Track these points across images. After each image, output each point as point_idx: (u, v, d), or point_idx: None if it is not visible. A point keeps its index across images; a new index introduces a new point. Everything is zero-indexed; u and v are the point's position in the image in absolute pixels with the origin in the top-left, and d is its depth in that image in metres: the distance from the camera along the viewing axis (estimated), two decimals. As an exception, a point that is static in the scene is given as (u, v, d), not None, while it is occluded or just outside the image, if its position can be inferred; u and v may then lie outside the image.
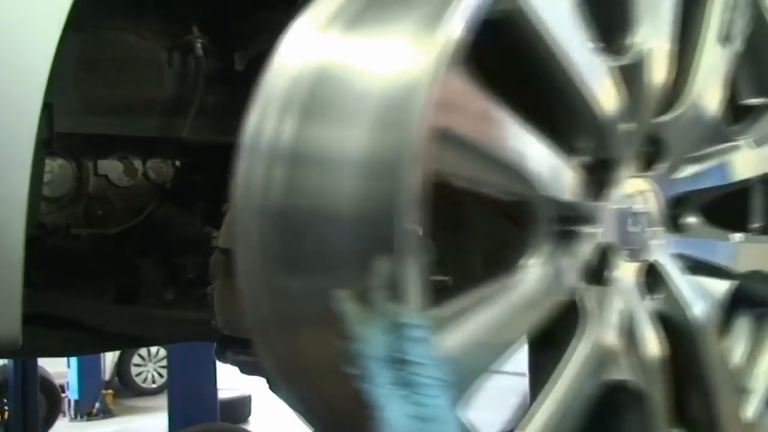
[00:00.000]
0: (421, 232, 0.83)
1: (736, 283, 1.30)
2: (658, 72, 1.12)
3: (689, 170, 1.23)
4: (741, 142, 1.29)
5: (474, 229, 1.17)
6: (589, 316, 1.08)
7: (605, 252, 1.11)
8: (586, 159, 1.07)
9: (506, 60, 1.02)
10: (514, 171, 0.94)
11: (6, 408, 5.35)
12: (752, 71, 1.36)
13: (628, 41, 1.11)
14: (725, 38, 1.23)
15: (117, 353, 9.40)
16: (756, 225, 1.41)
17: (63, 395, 8.17)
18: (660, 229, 1.18)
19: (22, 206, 1.02)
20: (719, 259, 1.28)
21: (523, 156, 0.94)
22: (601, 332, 1.08)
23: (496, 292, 0.96)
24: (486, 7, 0.87)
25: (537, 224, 1.01)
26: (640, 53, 1.10)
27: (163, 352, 8.26)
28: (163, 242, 1.70)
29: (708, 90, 1.22)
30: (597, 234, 1.08)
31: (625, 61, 1.09)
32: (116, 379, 9.69)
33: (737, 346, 1.37)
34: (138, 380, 9.81)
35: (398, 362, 0.83)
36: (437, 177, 0.85)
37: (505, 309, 0.96)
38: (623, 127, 1.08)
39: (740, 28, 1.25)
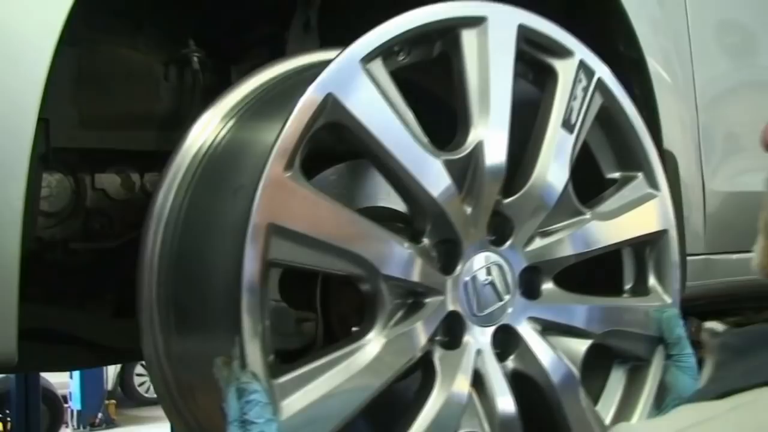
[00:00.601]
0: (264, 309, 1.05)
1: (593, 342, 1.40)
2: (494, 161, 1.25)
3: (539, 243, 1.35)
4: (589, 215, 1.40)
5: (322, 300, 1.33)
6: (442, 376, 1.22)
7: (456, 319, 1.24)
8: (433, 239, 1.23)
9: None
10: (350, 255, 1.11)
11: (9, 419, 5.35)
12: (610, 149, 1.51)
13: (464, 137, 1.25)
14: (568, 124, 1.36)
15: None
16: (628, 286, 1.52)
17: (65, 406, 8.21)
18: (514, 296, 1.31)
19: (17, 220, 1.02)
20: (575, 321, 1.38)
21: (359, 242, 1.12)
22: (453, 389, 1.22)
23: (339, 359, 1.12)
24: (311, 125, 1.09)
25: (382, 298, 1.16)
26: (475, 147, 1.24)
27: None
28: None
29: (552, 171, 1.34)
30: (446, 304, 1.22)
31: (461, 154, 1.23)
32: (119, 389, 9.73)
33: (611, 397, 1.48)
34: (141, 390, 9.84)
35: (245, 423, 1.01)
36: (274, 263, 1.05)
37: (347, 375, 1.11)
38: (465, 209, 1.24)
39: (582, 114, 1.38)
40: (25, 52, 1.06)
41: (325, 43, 1.56)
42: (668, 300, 1.50)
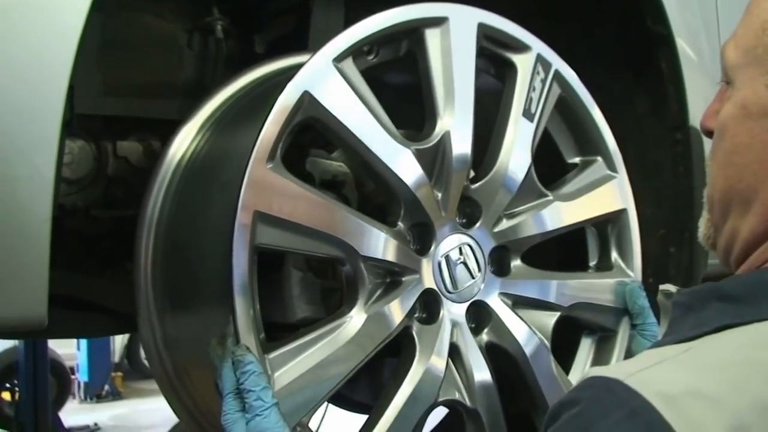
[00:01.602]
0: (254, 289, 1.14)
1: (561, 314, 1.50)
2: (460, 150, 1.35)
3: (506, 224, 1.45)
4: (552, 197, 1.50)
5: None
6: (421, 349, 1.32)
7: (432, 296, 1.35)
8: (407, 223, 1.33)
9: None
10: (331, 239, 1.21)
11: (17, 389, 5.40)
12: (570, 135, 1.61)
13: (431, 128, 1.35)
14: (528, 113, 1.47)
15: (126, 336, 9.46)
16: (593, 263, 1.64)
17: (73, 377, 8.26)
18: (485, 274, 1.41)
19: (49, 187, 1.04)
20: (543, 295, 1.48)
21: (339, 226, 1.22)
22: (430, 362, 1.31)
23: (324, 335, 1.21)
24: (290, 120, 1.18)
25: (362, 278, 1.26)
26: (442, 137, 1.34)
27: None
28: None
29: (515, 158, 1.44)
30: (422, 282, 1.33)
31: (429, 144, 1.33)
32: (125, 361, 9.79)
33: (580, 366, 1.58)
34: (147, 363, 9.84)
35: (241, 392, 1.09)
36: (261, 247, 1.15)
37: (332, 349, 1.21)
38: (435, 195, 1.34)
39: (541, 104, 1.48)
40: (59, 17, 1.07)
41: (350, 12, 1.56)
42: (631, 274, 1.62)
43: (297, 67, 1.21)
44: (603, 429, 0.66)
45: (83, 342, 8.52)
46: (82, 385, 8.68)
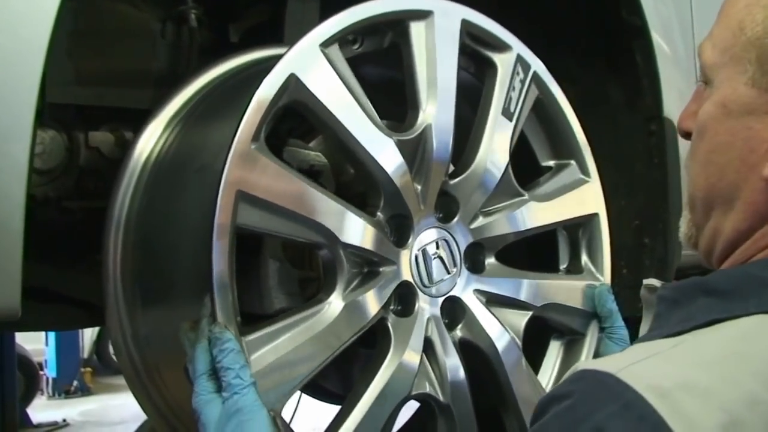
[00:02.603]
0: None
1: (532, 314, 1.51)
2: (441, 143, 1.36)
3: (483, 221, 1.46)
4: (527, 197, 1.52)
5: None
6: (395, 341, 1.31)
7: (408, 289, 1.35)
8: (387, 213, 1.33)
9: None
10: (313, 223, 1.21)
11: (-16, 386, 5.35)
12: (545, 139, 1.64)
13: (413, 120, 1.36)
14: (507, 112, 1.48)
15: (96, 331, 9.40)
16: (563, 266, 1.66)
17: (41, 373, 8.19)
18: (460, 270, 1.42)
19: (22, 178, 1.03)
20: (516, 294, 1.50)
21: (321, 211, 1.21)
22: (404, 355, 1.31)
23: (301, 321, 1.21)
24: (275, 102, 1.18)
25: (341, 264, 1.25)
26: (424, 129, 1.34)
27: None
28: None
29: (493, 155, 1.45)
30: (399, 273, 1.33)
31: (411, 135, 1.33)
32: (94, 356, 9.71)
33: (549, 368, 1.61)
34: (115, 358, 9.78)
35: (218, 371, 1.08)
36: (242, 228, 1.13)
37: (309, 335, 1.20)
38: (415, 187, 1.34)
39: (520, 104, 1.50)
40: (32, 4, 1.06)
41: (325, 3, 1.57)
42: (600, 277, 1.63)
43: (270, 59, 1.21)
44: (596, 422, 0.66)
45: (51, 337, 8.46)
46: (50, 380, 8.60)
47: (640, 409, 0.66)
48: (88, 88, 1.54)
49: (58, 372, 8.57)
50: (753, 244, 0.83)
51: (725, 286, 0.79)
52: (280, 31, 1.58)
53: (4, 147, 1.03)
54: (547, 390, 1.54)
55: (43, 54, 1.05)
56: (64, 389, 8.63)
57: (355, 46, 1.34)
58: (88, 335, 9.38)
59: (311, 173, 1.36)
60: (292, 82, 1.19)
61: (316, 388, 1.89)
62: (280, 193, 1.17)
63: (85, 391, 8.81)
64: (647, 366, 0.71)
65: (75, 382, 8.74)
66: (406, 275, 1.34)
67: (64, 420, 7.20)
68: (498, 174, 1.45)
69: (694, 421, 0.65)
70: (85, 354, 9.38)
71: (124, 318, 1.39)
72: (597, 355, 1.56)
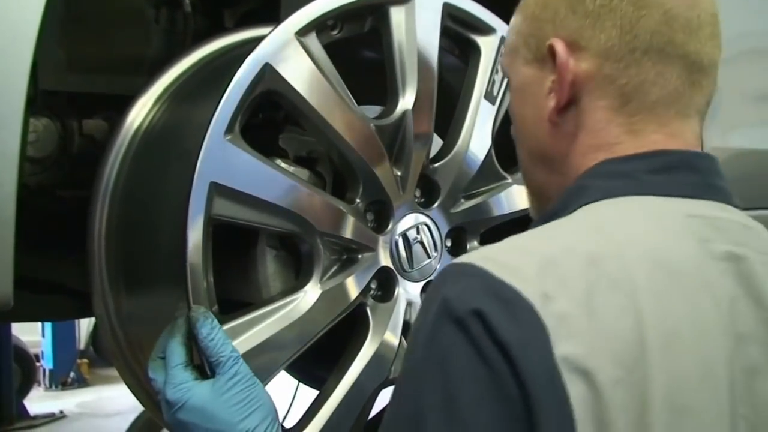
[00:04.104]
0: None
1: None
2: (421, 128, 1.37)
3: (465, 204, 1.48)
4: (510, 180, 1.53)
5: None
6: (374, 326, 1.34)
7: (388, 274, 1.37)
8: (365, 200, 1.34)
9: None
10: (289, 214, 1.22)
11: (-20, 378, 5.37)
12: None
13: (393, 106, 1.37)
14: (490, 96, 1.49)
15: (92, 322, 9.37)
16: None
17: (37, 365, 8.19)
18: (441, 254, 1.44)
19: (13, 166, 1.03)
20: None
21: (297, 201, 1.23)
22: (385, 339, 1.34)
23: (278, 309, 1.23)
24: (250, 93, 1.19)
25: (318, 253, 1.27)
26: (403, 114, 1.35)
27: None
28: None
29: (475, 139, 1.46)
30: (378, 259, 1.35)
31: (390, 121, 1.34)
32: (91, 348, 9.70)
33: None
34: (103, 340, 9.76)
35: (204, 351, 1.10)
36: (217, 219, 1.15)
37: (286, 322, 1.22)
38: (394, 173, 1.35)
39: (503, 87, 1.51)
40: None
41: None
42: None
43: (257, 40, 1.21)
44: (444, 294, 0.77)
45: (48, 329, 8.45)
46: (47, 372, 8.59)
47: (474, 270, 0.78)
48: (81, 75, 1.54)
49: (55, 363, 8.56)
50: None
51: (558, 205, 0.91)
52: (276, 16, 1.57)
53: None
54: None
55: (33, 41, 1.04)
56: (60, 381, 8.62)
57: (334, 32, 1.35)
58: (85, 326, 9.36)
59: (308, 160, 1.36)
60: (267, 71, 1.21)
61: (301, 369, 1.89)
62: (255, 184, 1.19)
63: (81, 382, 8.80)
64: (491, 248, 0.83)
65: (72, 374, 8.73)
66: (386, 261, 1.36)
67: (61, 411, 7.20)
68: (480, 157, 1.48)
69: (517, 268, 0.77)
70: (82, 345, 9.36)
71: (109, 297, 1.41)
72: None
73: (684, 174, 0.89)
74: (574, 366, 0.72)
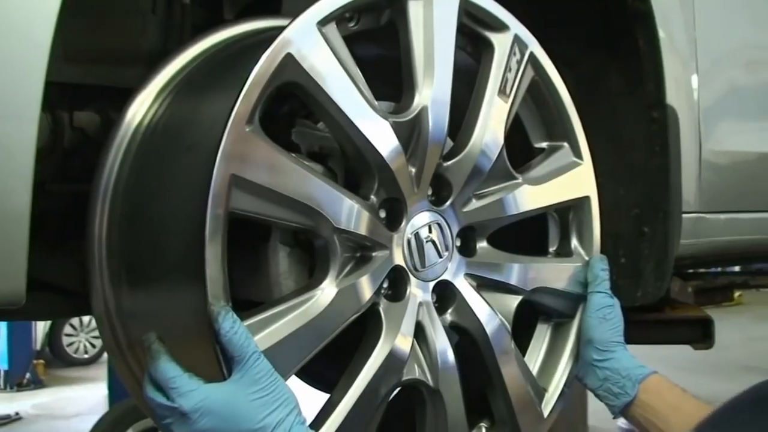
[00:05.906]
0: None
1: (523, 297, 1.54)
2: (437, 126, 1.36)
3: (476, 204, 1.47)
4: (520, 180, 1.53)
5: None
6: (387, 326, 1.33)
7: (400, 273, 1.36)
8: (380, 197, 1.33)
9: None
10: (307, 208, 1.20)
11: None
12: (539, 120, 1.65)
13: (409, 102, 1.36)
14: (503, 93, 1.49)
15: (48, 323, 9.29)
16: (552, 249, 1.67)
17: (-8, 366, 8.09)
18: (452, 254, 1.44)
19: (30, 159, 1.01)
20: (507, 278, 1.52)
21: (315, 196, 1.21)
22: (396, 340, 1.33)
23: (295, 307, 1.21)
24: (270, 83, 1.16)
25: (334, 250, 1.26)
26: (420, 111, 1.34)
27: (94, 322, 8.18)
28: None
29: (488, 137, 1.46)
30: (391, 258, 1.34)
31: (407, 117, 1.33)
32: (47, 349, 9.63)
33: (536, 351, 1.64)
34: (70, 350, 9.78)
35: (224, 347, 1.09)
36: (235, 213, 1.12)
37: (302, 321, 1.20)
38: (410, 170, 1.34)
39: (516, 85, 1.51)
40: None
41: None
42: None
43: (261, 32, 1.18)
44: None
45: (3, 329, 8.36)
46: (2, 373, 8.53)
47: None
48: (73, 65, 1.51)
49: (10, 364, 8.50)
50: None
51: None
52: (277, 7, 1.56)
53: (11, 128, 1.00)
54: (534, 373, 1.58)
55: (51, 30, 1.03)
56: (16, 382, 8.55)
57: (351, 24, 1.34)
58: (41, 327, 9.26)
59: (321, 155, 1.35)
60: (289, 62, 1.18)
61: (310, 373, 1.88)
62: (275, 177, 1.17)
63: (38, 383, 8.74)
64: None
65: (27, 375, 8.66)
66: (399, 260, 1.35)
67: (17, 413, 7.14)
68: (493, 156, 1.47)
69: None
70: (38, 346, 9.27)
71: (109, 295, 1.38)
72: (583, 336, 1.58)
73: None
74: None
